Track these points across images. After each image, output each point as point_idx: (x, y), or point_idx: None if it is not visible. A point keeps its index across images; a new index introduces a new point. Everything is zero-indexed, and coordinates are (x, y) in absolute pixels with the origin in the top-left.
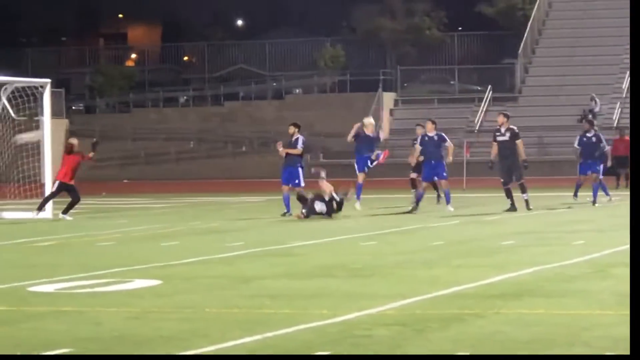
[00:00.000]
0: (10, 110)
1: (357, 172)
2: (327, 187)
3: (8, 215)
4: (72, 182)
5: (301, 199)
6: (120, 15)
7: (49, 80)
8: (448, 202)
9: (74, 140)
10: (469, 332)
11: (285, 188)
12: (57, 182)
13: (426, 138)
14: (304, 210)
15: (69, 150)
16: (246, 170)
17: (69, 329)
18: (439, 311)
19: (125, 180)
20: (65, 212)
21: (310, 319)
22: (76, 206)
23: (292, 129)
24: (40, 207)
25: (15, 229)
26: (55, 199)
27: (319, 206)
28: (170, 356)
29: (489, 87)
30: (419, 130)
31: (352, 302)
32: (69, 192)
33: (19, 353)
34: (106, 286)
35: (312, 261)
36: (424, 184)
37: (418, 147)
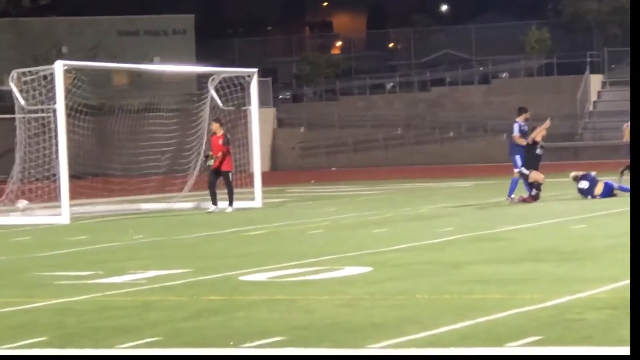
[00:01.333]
0: (219, 101)
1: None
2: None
3: (220, 205)
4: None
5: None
6: (325, 4)
7: (255, 69)
8: None
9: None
10: None
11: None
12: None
13: None
14: (533, 193)
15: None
16: (453, 156)
17: (282, 317)
18: None
19: (333, 168)
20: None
21: (521, 303)
22: (285, 195)
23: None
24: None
25: (226, 218)
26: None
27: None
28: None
29: None
30: None
31: (563, 286)
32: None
33: (232, 342)
34: (317, 274)
35: (522, 245)
36: None
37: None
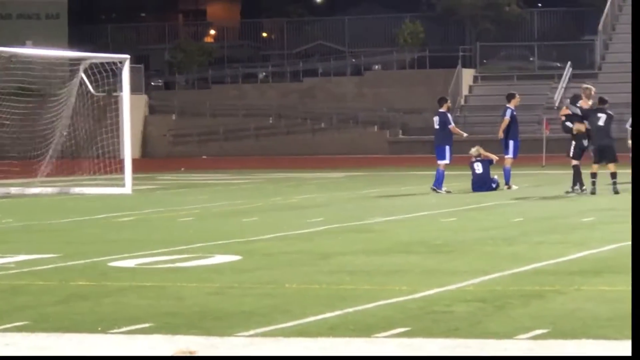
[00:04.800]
0: (89, 86)
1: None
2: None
3: (88, 190)
4: None
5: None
6: None
7: (128, 56)
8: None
9: None
10: (550, 309)
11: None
12: None
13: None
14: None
15: None
16: (325, 147)
17: (151, 303)
18: (519, 288)
19: (204, 157)
20: None
21: (390, 295)
22: (155, 182)
23: None
24: None
25: (95, 205)
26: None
27: None
28: None
29: (569, 63)
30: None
31: (432, 278)
32: None
33: (100, 328)
34: (187, 261)
35: (392, 237)
36: None
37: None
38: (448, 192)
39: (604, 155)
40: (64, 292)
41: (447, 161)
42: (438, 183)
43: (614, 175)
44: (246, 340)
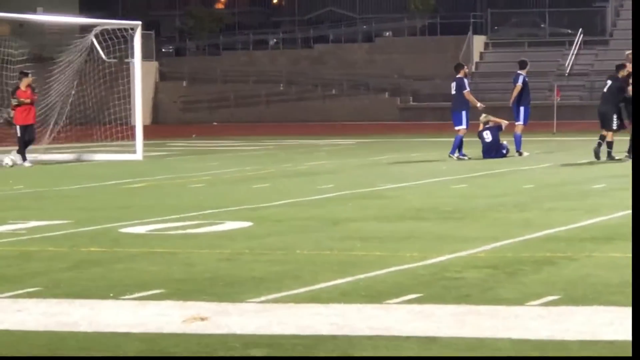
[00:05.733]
0: (101, 52)
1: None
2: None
3: (99, 157)
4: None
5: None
6: None
7: (139, 22)
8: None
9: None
10: (561, 275)
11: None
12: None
13: None
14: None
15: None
16: (336, 113)
17: (162, 270)
18: (530, 254)
19: (214, 123)
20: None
21: (401, 261)
22: (166, 148)
23: None
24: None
25: (106, 171)
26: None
27: None
28: None
29: (580, 30)
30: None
31: (443, 244)
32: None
33: (112, 294)
34: (198, 228)
35: (403, 204)
36: None
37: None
38: (461, 158)
39: (602, 122)
40: (75, 258)
41: (464, 126)
42: (453, 149)
43: (609, 144)
44: (257, 307)
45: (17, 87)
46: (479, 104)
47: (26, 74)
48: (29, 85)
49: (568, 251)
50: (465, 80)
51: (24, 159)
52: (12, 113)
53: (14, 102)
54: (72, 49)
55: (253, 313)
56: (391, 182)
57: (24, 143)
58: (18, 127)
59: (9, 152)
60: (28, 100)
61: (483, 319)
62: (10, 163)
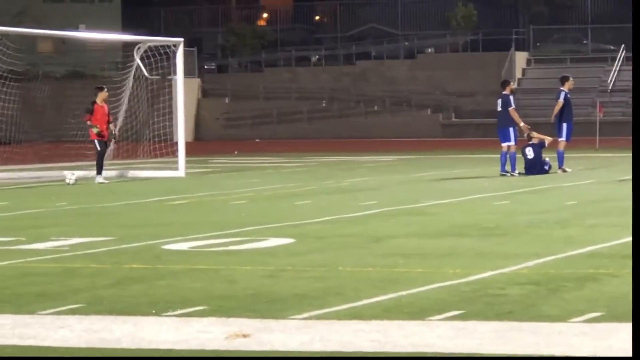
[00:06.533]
0: (144, 70)
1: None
2: None
3: (142, 173)
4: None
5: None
6: None
7: (181, 39)
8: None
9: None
10: (604, 292)
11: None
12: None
13: None
14: None
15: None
16: (378, 130)
17: (204, 286)
18: (573, 270)
19: (257, 140)
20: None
21: (443, 277)
22: (208, 165)
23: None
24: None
25: (149, 187)
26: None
27: None
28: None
29: (622, 46)
30: None
31: (486, 261)
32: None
33: (154, 310)
34: (240, 244)
35: (445, 220)
36: None
37: None
38: (513, 174)
39: None
40: (117, 274)
41: (512, 143)
42: (503, 166)
43: None
44: (300, 323)
45: (94, 102)
46: (522, 124)
47: (102, 88)
48: (104, 100)
49: (610, 268)
50: (511, 97)
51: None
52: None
53: (94, 129)
54: (125, 69)
55: (295, 330)
56: (433, 199)
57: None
58: (97, 141)
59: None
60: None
61: (525, 336)
62: (73, 181)
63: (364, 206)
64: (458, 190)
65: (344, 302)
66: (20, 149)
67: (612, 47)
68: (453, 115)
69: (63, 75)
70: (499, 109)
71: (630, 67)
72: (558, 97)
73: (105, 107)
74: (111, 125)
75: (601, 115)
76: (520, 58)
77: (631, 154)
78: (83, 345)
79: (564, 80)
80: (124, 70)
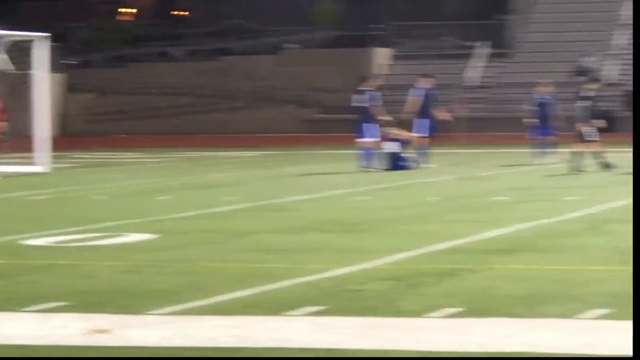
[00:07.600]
0: (10, 64)
1: None
2: None
3: (2, 169)
4: None
5: None
6: None
7: (47, 34)
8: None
9: None
10: (463, 287)
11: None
12: None
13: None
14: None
15: None
16: (242, 125)
17: (65, 282)
18: (432, 266)
19: (123, 135)
20: None
21: (304, 273)
22: (72, 160)
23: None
24: None
25: (10, 183)
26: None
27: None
28: None
29: (484, 43)
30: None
31: (347, 256)
32: None
33: (15, 306)
34: (101, 240)
35: (307, 216)
36: None
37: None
38: (372, 169)
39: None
40: None
41: (374, 138)
42: (365, 161)
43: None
44: (160, 319)
45: None
46: (384, 119)
47: None
48: None
49: (470, 263)
50: (373, 93)
51: None
52: None
53: None
54: None
55: (155, 325)
56: (295, 195)
57: None
58: None
59: None
60: None
61: (385, 332)
62: None
63: (226, 201)
64: (320, 186)
65: (205, 297)
66: None
67: (473, 44)
68: (316, 111)
69: None
70: (360, 104)
71: (493, 64)
72: (416, 94)
73: None
74: None
75: (463, 112)
76: (383, 54)
77: (493, 151)
78: None
79: (423, 77)
80: None
